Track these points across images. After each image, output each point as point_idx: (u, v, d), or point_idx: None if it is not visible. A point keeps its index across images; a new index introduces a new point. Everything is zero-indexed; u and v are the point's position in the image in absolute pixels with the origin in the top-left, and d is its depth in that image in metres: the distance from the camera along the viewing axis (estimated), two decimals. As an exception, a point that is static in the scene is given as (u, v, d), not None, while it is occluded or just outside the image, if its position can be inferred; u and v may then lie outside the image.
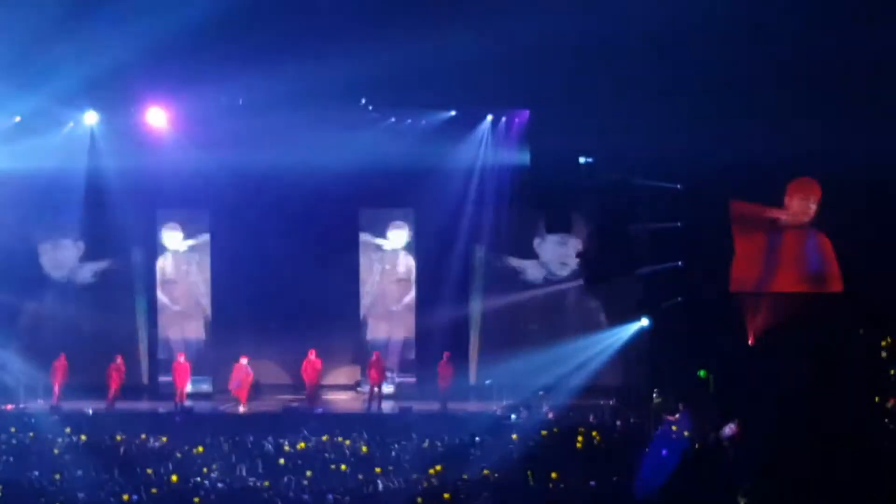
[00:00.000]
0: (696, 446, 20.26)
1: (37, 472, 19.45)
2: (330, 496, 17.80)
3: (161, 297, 28.04)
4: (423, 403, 25.15)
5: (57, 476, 19.25)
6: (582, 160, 26.09)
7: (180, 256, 28.06)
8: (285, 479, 19.17)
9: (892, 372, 22.96)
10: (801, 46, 21.65)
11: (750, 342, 24.75)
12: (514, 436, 21.67)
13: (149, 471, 19.57)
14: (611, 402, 24.97)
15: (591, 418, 23.40)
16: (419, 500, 17.60)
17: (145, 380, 27.82)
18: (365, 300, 28.02)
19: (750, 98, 22.98)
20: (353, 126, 25.95)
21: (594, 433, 21.72)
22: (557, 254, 27.59)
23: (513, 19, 22.43)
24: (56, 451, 21.25)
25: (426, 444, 21.50)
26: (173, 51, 23.03)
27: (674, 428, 20.94)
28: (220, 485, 18.63)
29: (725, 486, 17.79)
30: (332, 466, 20.23)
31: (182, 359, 26.09)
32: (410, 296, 27.92)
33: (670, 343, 25.10)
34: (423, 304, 27.64)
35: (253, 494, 18.14)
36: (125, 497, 17.67)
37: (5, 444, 21.65)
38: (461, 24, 22.22)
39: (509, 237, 27.63)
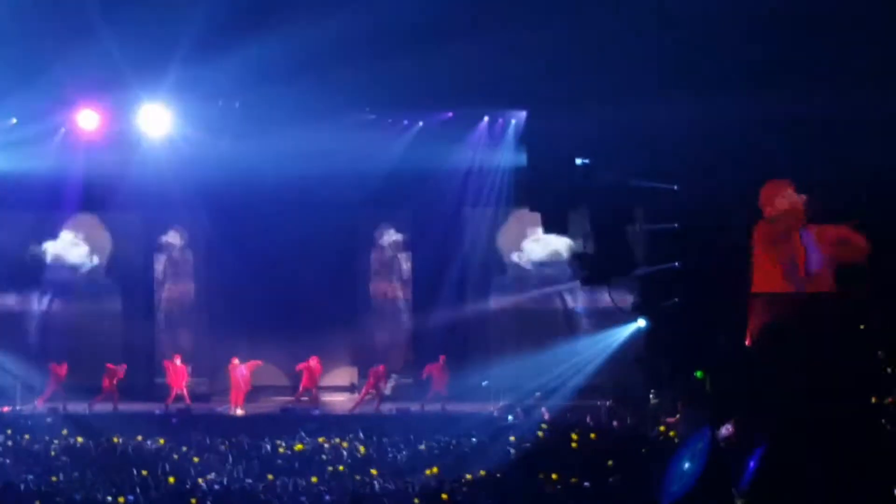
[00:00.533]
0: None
1: (32, 475, 19.45)
2: (327, 497, 17.81)
3: (158, 297, 28.04)
4: (421, 405, 25.15)
5: (54, 478, 19.24)
6: (579, 161, 26.06)
7: (178, 257, 28.05)
8: (282, 480, 19.17)
9: (889, 370, 22.95)
10: (802, 47, 21.64)
11: (747, 343, 24.71)
12: (512, 437, 21.68)
13: (144, 472, 19.57)
14: (608, 403, 24.96)
15: (588, 419, 23.41)
16: (416, 501, 17.62)
17: (142, 381, 27.76)
18: (362, 301, 28.02)
19: (750, 99, 22.95)
20: (350, 127, 25.92)
21: (592, 435, 21.73)
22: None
23: (510, 20, 22.41)
24: (53, 453, 21.25)
25: (423, 446, 21.50)
26: (172, 51, 23.01)
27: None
28: (216, 486, 18.63)
29: (723, 487, 17.78)
30: (330, 468, 20.25)
31: (178, 360, 26.08)
32: (408, 297, 27.95)
33: (667, 344, 25.08)
34: (421, 305, 27.66)
35: (250, 496, 18.14)
36: (121, 499, 17.67)
37: (2, 445, 21.64)
38: (458, 26, 22.20)
39: (506, 238, 27.65)
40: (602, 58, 22.51)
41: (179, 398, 25.52)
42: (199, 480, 19.17)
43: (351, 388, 27.90)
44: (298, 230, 27.12)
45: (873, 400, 22.21)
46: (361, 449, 21.33)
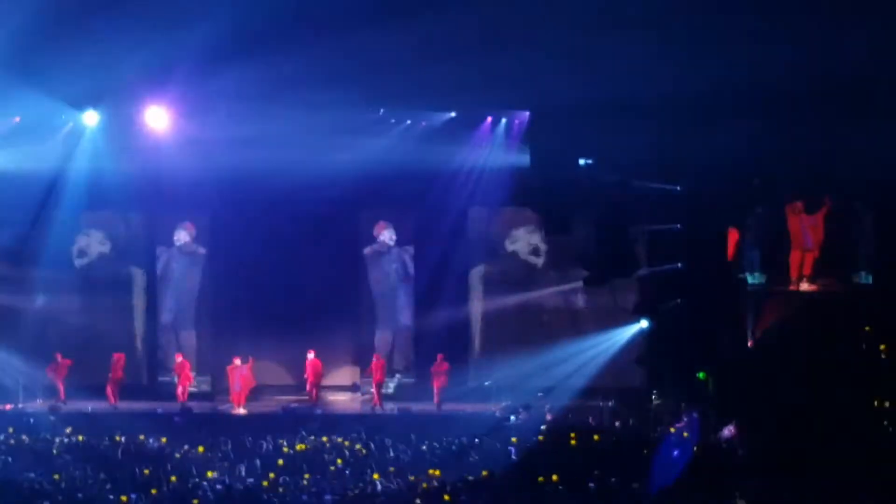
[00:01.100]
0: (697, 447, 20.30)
1: (34, 473, 19.44)
2: (328, 497, 17.79)
3: (161, 297, 28.06)
4: (422, 404, 25.15)
5: (56, 476, 19.24)
6: (582, 162, 26.07)
7: (181, 256, 28.06)
8: (284, 479, 19.16)
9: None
10: (802, 47, 21.64)
11: (749, 344, 24.74)
12: (514, 437, 21.67)
13: (146, 471, 19.56)
14: (610, 404, 24.95)
15: (590, 420, 23.39)
16: (418, 501, 17.59)
17: (145, 380, 27.79)
18: (365, 301, 28.03)
19: (750, 100, 22.96)
20: (354, 128, 25.92)
21: (595, 436, 21.71)
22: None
23: (514, 21, 22.43)
24: (55, 452, 21.25)
25: (425, 446, 21.49)
26: (175, 52, 23.02)
27: (685, 434, 20.96)
28: (218, 486, 18.62)
29: (724, 487, 17.81)
30: (332, 467, 20.23)
31: (180, 359, 26.09)
32: (410, 297, 27.94)
33: (669, 345, 25.09)
34: (423, 304, 27.64)
35: (252, 495, 18.13)
36: (123, 498, 17.66)
37: (4, 444, 21.64)
38: (462, 26, 22.21)
39: (508, 238, 27.67)
40: (605, 59, 22.54)
41: (187, 396, 25.56)
42: (200, 479, 19.14)
43: (353, 388, 27.90)
44: (301, 230, 27.12)
45: (876, 403, 22.32)
46: (363, 449, 21.32)
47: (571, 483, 18.39)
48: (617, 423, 23.19)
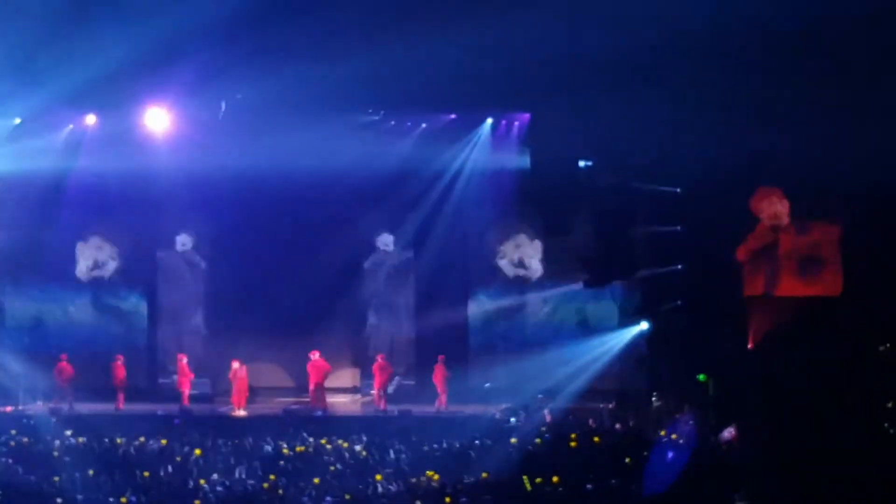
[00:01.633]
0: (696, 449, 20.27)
1: (34, 476, 19.45)
2: (329, 499, 17.79)
3: (160, 299, 28.07)
4: (423, 406, 25.16)
5: (56, 478, 19.24)
6: (582, 163, 26.10)
7: (181, 259, 28.07)
8: (284, 481, 19.16)
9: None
10: (802, 47, 21.66)
11: (750, 346, 24.73)
12: (514, 439, 21.66)
13: (146, 473, 19.56)
14: (610, 406, 24.96)
15: (590, 422, 23.38)
16: (418, 503, 17.60)
17: (145, 382, 27.81)
18: (364, 303, 28.04)
19: (751, 100, 22.97)
20: (354, 129, 25.95)
21: (595, 438, 21.70)
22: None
23: (513, 23, 22.43)
24: (55, 454, 21.25)
25: (426, 447, 21.49)
26: (174, 54, 23.04)
27: (681, 436, 20.95)
28: (219, 487, 18.62)
29: (724, 490, 17.80)
30: (332, 469, 20.23)
31: (184, 360, 26.10)
32: (410, 299, 27.95)
33: (670, 347, 25.09)
34: (423, 306, 27.67)
35: (252, 497, 18.13)
36: (123, 500, 17.67)
37: (4, 445, 21.65)
38: (461, 28, 22.22)
39: (508, 240, 27.68)
40: (605, 61, 22.55)
41: (189, 398, 25.57)
42: (201, 481, 19.14)
43: (353, 390, 27.90)
44: (301, 233, 27.17)
45: (876, 404, 22.30)
46: (363, 451, 21.31)
47: (571, 485, 18.40)
48: (617, 425, 23.17)
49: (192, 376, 25.88)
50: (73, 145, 26.66)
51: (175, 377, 26.18)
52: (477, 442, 21.67)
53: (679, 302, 25.41)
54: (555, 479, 18.65)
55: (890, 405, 22.65)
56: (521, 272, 27.76)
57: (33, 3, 22.06)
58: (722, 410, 22.80)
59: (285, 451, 21.33)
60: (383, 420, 24.29)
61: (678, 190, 25.50)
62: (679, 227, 25.58)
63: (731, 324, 24.77)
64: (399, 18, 22.27)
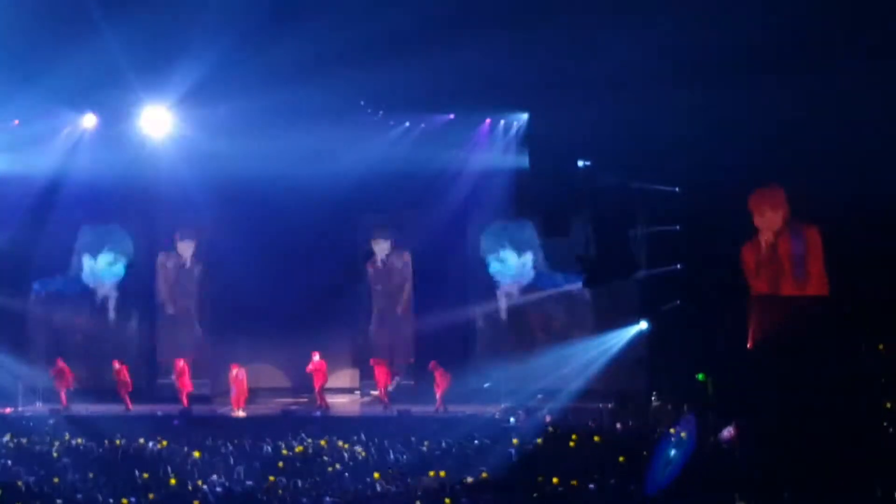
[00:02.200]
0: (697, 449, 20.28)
1: (34, 476, 19.45)
2: (328, 499, 17.80)
3: (159, 300, 28.06)
4: (422, 406, 25.15)
5: (55, 479, 19.25)
6: (581, 163, 26.08)
7: (179, 260, 28.05)
8: (283, 482, 19.16)
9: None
10: (802, 47, 21.67)
11: (749, 346, 24.72)
12: (514, 439, 21.66)
13: (146, 475, 19.57)
14: (609, 406, 24.94)
15: (589, 422, 23.38)
16: (418, 503, 17.60)
17: (143, 383, 27.78)
18: (364, 304, 28.03)
19: (751, 101, 22.97)
20: (353, 130, 25.93)
21: (596, 438, 21.70)
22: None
23: (512, 23, 22.44)
24: (54, 455, 21.26)
25: (425, 448, 21.49)
26: (174, 54, 23.04)
27: (682, 434, 20.95)
28: (218, 488, 18.63)
29: (723, 489, 17.80)
30: (331, 469, 20.23)
31: (182, 362, 26.08)
32: (409, 299, 27.93)
33: (669, 347, 25.08)
34: (422, 307, 27.65)
35: (251, 497, 18.14)
36: (123, 501, 17.68)
37: (3, 447, 21.65)
38: (460, 28, 22.22)
39: (507, 240, 27.69)
40: (604, 61, 22.55)
41: (190, 399, 25.54)
42: (201, 482, 19.15)
43: (352, 391, 27.90)
44: (300, 233, 27.15)
45: (876, 404, 22.28)
46: (362, 451, 21.31)
47: (571, 485, 18.40)
48: (617, 425, 23.17)
49: (191, 388, 25.77)
50: (69, 147, 26.61)
51: (174, 378, 26.13)
52: (476, 442, 21.67)
53: (678, 301, 25.40)
54: (554, 478, 18.66)
55: (889, 405, 22.64)
56: (521, 272, 27.75)
57: (33, 3, 22.06)
58: (721, 410, 22.78)
59: (284, 451, 21.33)
60: (383, 420, 24.28)
61: (677, 190, 25.49)
62: (678, 227, 25.57)
63: (730, 323, 24.78)
64: (399, 19, 22.27)
